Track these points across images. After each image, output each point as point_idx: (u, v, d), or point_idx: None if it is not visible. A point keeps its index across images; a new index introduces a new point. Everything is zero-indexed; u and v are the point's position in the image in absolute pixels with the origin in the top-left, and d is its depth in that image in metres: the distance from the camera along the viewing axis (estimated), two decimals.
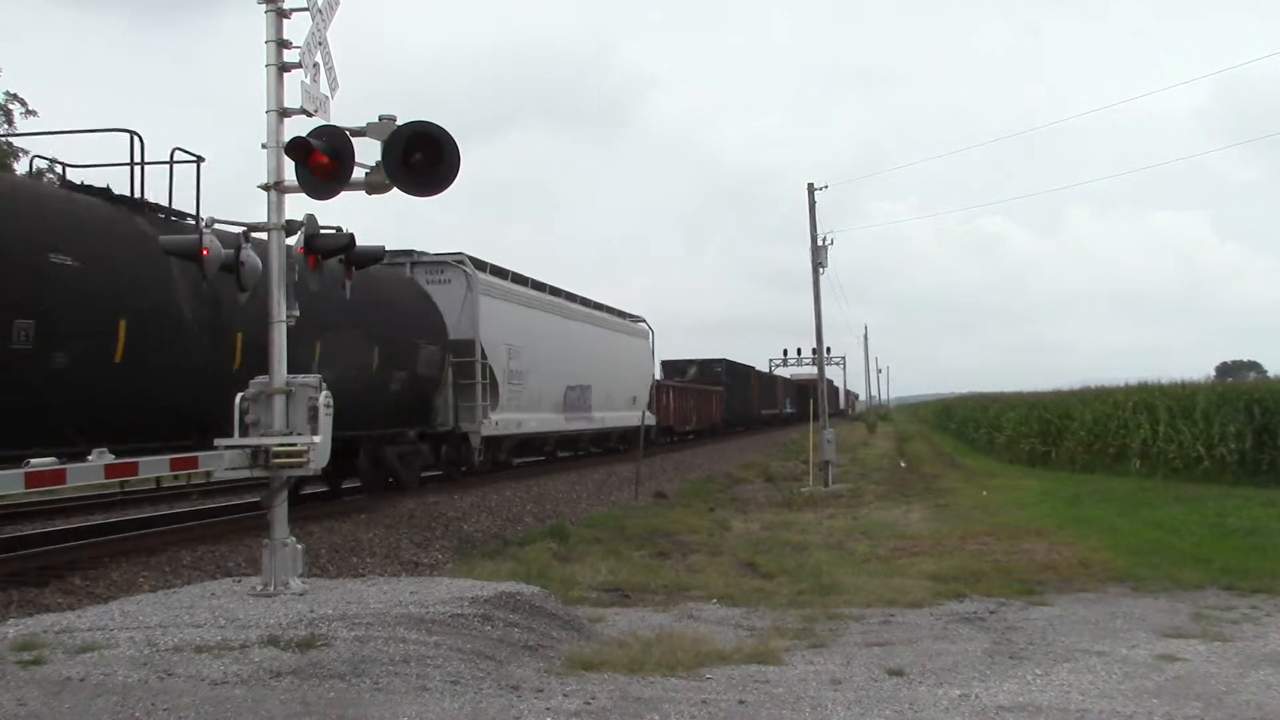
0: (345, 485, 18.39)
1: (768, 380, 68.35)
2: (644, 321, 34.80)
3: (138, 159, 11.55)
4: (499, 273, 22.30)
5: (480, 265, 21.02)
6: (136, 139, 11.44)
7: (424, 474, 18.92)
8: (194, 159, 11.92)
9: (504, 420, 21.14)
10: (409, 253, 20.17)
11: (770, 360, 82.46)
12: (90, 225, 10.98)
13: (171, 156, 11.93)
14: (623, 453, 30.54)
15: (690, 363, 50.55)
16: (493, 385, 20.45)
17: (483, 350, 19.91)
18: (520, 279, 23.68)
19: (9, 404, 10.00)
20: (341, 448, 11.79)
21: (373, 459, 16.98)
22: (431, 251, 20.52)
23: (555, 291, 26.05)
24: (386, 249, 10.64)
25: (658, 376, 37.95)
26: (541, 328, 23.70)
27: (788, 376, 79.15)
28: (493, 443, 21.22)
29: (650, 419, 28.49)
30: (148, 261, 11.03)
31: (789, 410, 71.86)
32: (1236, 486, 20.98)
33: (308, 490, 17.20)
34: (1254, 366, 69.88)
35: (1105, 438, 28.77)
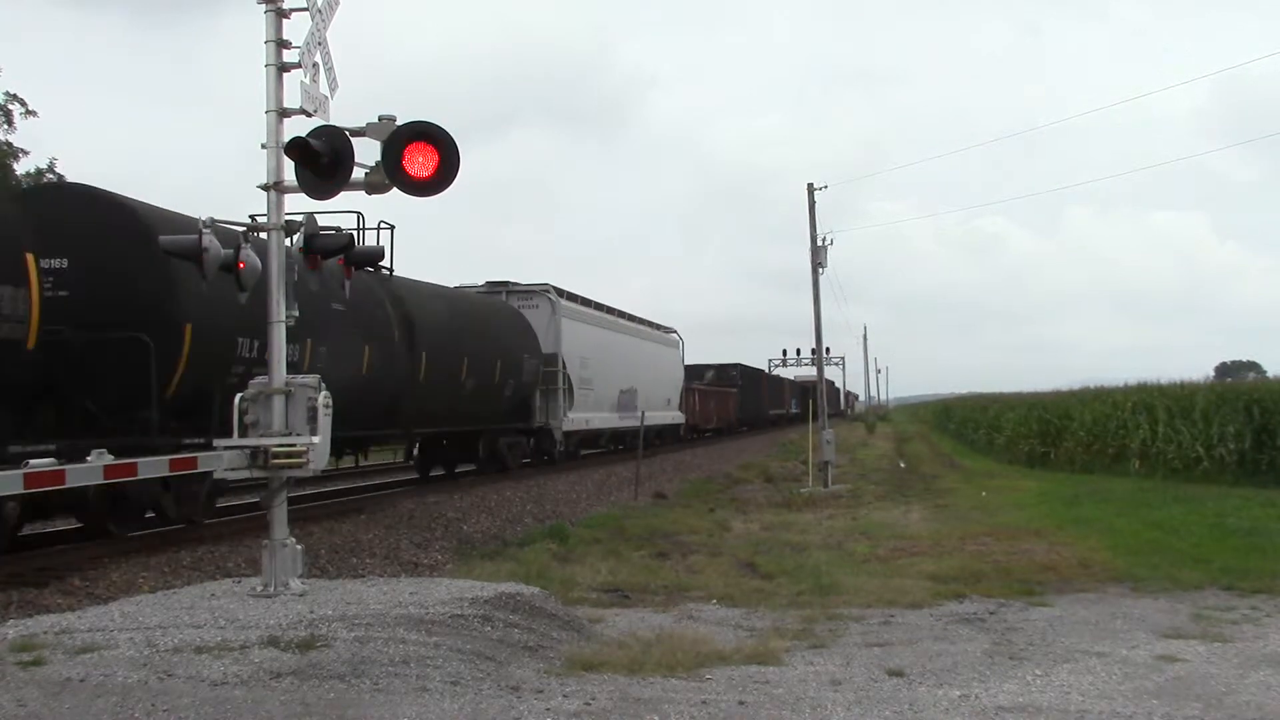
0: (433, 474, 22.80)
1: (775, 382, 73.50)
2: (675, 333, 39.88)
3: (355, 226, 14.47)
4: (573, 298, 27.34)
5: (561, 293, 26.04)
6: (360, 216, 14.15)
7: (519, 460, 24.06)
8: (389, 226, 16.00)
9: (577, 418, 26.41)
10: (505, 283, 25.44)
11: (770, 360, 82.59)
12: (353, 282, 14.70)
13: (377, 226, 15.87)
14: (623, 452, 31.68)
15: (708, 367, 54.56)
16: (569, 390, 25.44)
17: (563, 362, 25.08)
18: (587, 302, 28.77)
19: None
20: (467, 437, 20.67)
21: (490, 448, 22.68)
22: (523, 282, 25.75)
23: (611, 310, 31.39)
24: (487, 282, 17.15)
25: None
26: (602, 342, 28.80)
27: (791, 378, 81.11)
28: (569, 437, 26.22)
29: (680, 418, 35.95)
30: (380, 306, 16.86)
31: (794, 410, 75.95)
32: (1236, 487, 20.98)
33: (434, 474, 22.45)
34: (1253, 367, 69.88)
35: (1105, 438, 28.77)
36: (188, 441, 11.36)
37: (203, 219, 8.74)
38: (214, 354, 12.54)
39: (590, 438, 29.48)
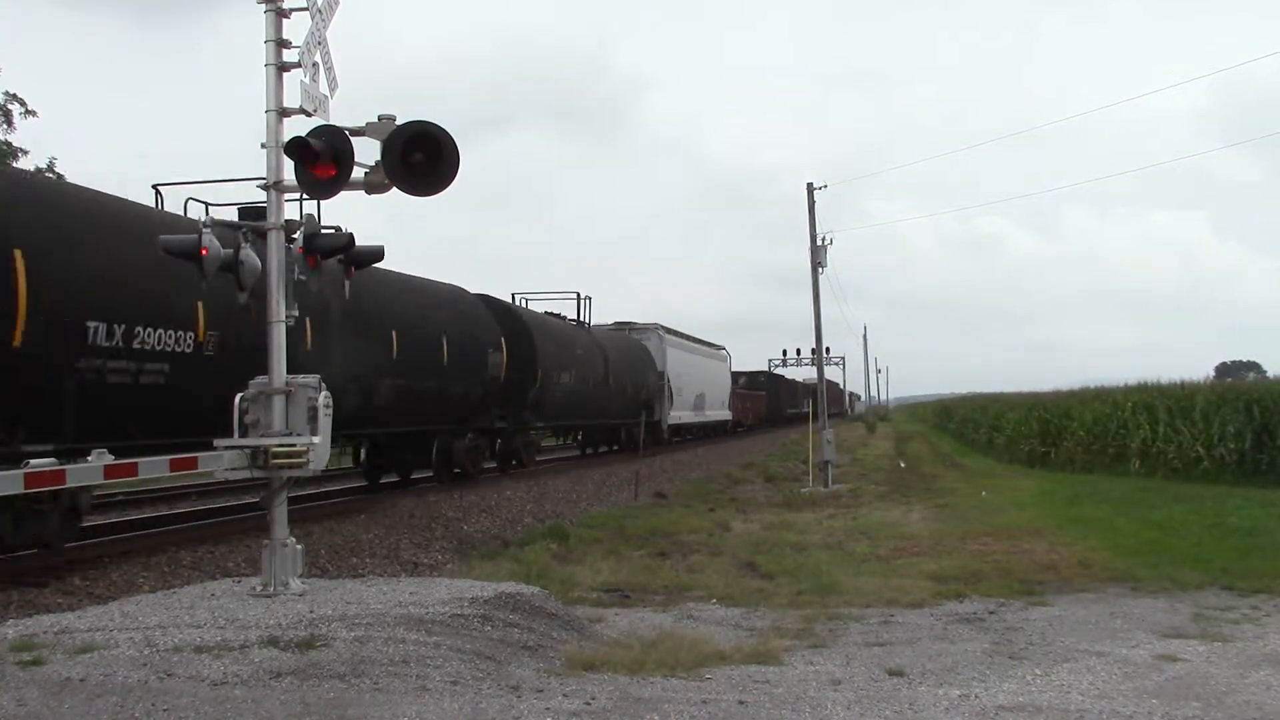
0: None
1: (790, 385, 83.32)
2: (725, 349, 51.63)
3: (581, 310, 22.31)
4: (671, 331, 39.38)
5: (665, 329, 38.41)
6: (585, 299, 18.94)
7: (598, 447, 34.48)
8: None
9: (674, 416, 38.85)
10: (628, 323, 37.15)
11: (770, 360, 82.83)
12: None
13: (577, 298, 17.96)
14: (623, 452, 32.66)
15: (742, 374, 63.35)
16: (670, 396, 37.38)
17: (667, 378, 36.97)
18: (674, 331, 40.39)
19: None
20: (623, 428, 32.07)
21: (628, 433, 33.10)
22: (640, 322, 37.85)
23: (689, 336, 43.21)
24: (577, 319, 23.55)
25: None
26: (686, 360, 40.91)
27: (801, 380, 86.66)
28: (671, 429, 38.91)
29: (729, 415, 49.40)
30: (595, 349, 27.04)
31: (805, 409, 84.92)
32: (1236, 487, 20.97)
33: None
34: (1253, 366, 69.86)
35: (1105, 438, 28.76)
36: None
37: (202, 219, 8.74)
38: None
39: (680, 429, 41.81)
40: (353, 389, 14.68)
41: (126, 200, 12.51)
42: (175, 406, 11.87)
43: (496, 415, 22.33)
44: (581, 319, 29.65)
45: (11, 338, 9.96)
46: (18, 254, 9.98)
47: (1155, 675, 7.07)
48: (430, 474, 20.47)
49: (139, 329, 11.30)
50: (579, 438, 33.71)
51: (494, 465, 23.66)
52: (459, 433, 20.68)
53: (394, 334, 16.81)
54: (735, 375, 57.38)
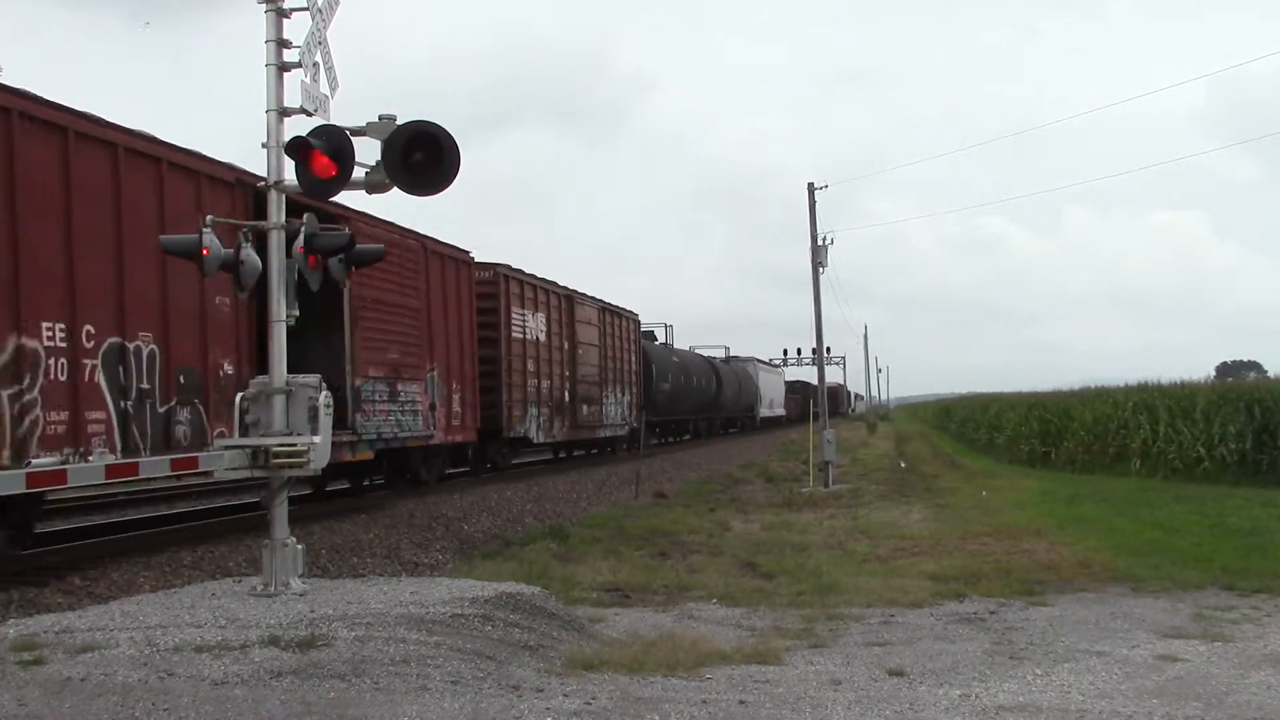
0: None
1: (814, 388, 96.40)
2: (781, 363, 79.92)
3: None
4: (759, 361, 64.52)
5: (758, 360, 64.15)
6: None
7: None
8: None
9: (763, 412, 63.99)
10: (735, 356, 60.36)
11: (770, 360, 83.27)
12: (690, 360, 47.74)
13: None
14: (623, 452, 32.06)
15: (787, 382, 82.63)
16: (759, 400, 61.69)
17: (758, 389, 61.06)
18: (761, 361, 65.92)
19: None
20: (731, 418, 57.20)
21: (739, 423, 58.96)
22: (742, 355, 62.39)
23: (765, 362, 67.15)
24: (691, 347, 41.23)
25: None
26: (766, 377, 65.11)
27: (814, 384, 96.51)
28: (761, 421, 64.00)
29: (784, 412, 71.96)
30: (709, 373, 48.96)
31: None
32: (1236, 487, 20.97)
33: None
34: (1254, 366, 69.82)
35: (1105, 438, 28.75)
36: None
37: (205, 218, 8.74)
38: None
39: (765, 420, 65.31)
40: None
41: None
42: None
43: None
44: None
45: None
46: None
47: (1156, 675, 7.07)
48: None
49: None
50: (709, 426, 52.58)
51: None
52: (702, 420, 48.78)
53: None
54: (788, 384, 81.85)
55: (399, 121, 8.36)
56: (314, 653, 6.49)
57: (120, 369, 10.88)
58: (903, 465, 31.74)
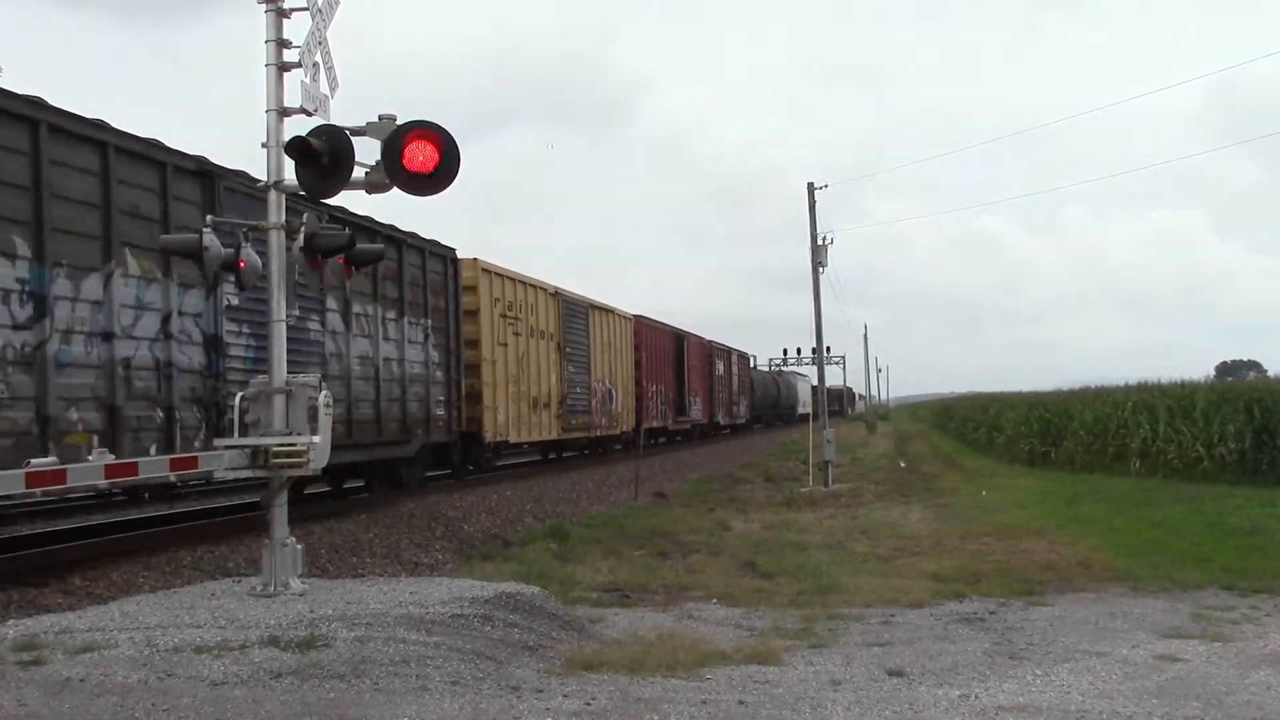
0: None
1: (833, 391, 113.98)
2: (806, 374, 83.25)
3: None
4: (795, 371, 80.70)
5: (795, 372, 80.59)
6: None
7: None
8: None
9: (800, 410, 74.04)
10: (781, 370, 78.64)
11: (770, 360, 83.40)
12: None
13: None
14: (623, 452, 31.93)
15: (811, 386, 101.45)
16: (798, 400, 77.19)
17: (797, 392, 77.87)
18: (797, 371, 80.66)
19: None
20: (785, 415, 76.18)
21: (786, 419, 75.14)
22: (787, 370, 79.38)
23: (798, 372, 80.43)
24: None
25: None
26: (799, 383, 79.38)
27: (830, 385, 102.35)
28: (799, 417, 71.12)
29: (809, 409, 61.24)
30: (771, 385, 72.56)
31: (835, 408, 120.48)
32: (1236, 486, 20.97)
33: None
34: (1254, 366, 69.84)
35: (1105, 438, 28.76)
36: None
37: (204, 219, 8.75)
38: None
39: (802, 415, 67.78)
40: None
41: None
42: None
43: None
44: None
45: None
46: None
47: (1155, 675, 7.07)
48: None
49: None
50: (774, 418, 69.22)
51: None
52: (771, 414, 69.90)
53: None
54: (813, 387, 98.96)
55: (399, 121, 8.36)
56: (314, 653, 6.49)
57: None
58: (902, 465, 31.74)
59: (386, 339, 16.65)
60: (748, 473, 29.35)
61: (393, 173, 8.35)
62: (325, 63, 8.77)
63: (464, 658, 6.77)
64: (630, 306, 36.81)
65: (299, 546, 8.61)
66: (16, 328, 9.54)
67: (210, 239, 8.45)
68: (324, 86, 8.78)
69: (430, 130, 8.32)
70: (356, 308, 15.71)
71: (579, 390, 27.46)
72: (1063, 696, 6.52)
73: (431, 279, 18.38)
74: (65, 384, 10.03)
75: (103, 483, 8.78)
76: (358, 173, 8.48)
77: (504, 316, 22.28)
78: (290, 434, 8.44)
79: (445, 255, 19.11)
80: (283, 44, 8.60)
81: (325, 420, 8.50)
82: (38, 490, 7.53)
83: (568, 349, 26.50)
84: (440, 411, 18.52)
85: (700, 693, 6.43)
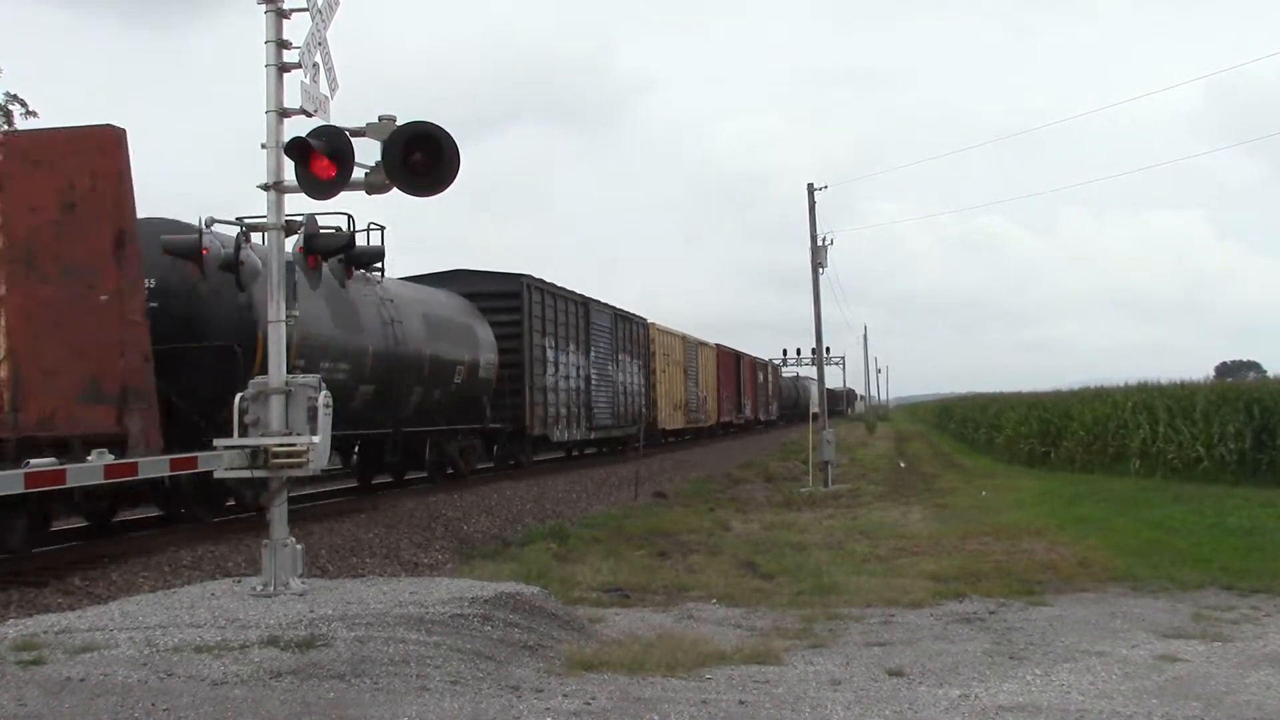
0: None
1: (838, 392, 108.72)
2: (800, 378, 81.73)
3: None
4: (808, 377, 71.74)
5: (810, 379, 65.48)
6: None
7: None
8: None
9: (813, 408, 59.89)
10: (799, 375, 79.44)
11: (770, 360, 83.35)
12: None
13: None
14: (624, 451, 32.13)
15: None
16: (812, 401, 55.51)
17: (810, 394, 43.99)
18: (808, 377, 71.43)
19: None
20: (803, 414, 52.99)
21: (801, 416, 58.49)
22: (804, 376, 76.47)
23: (810, 378, 67.78)
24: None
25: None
26: (810, 386, 60.11)
27: (833, 386, 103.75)
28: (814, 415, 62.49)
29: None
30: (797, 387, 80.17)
31: (839, 406, 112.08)
32: (1236, 486, 20.96)
33: None
34: (1254, 366, 69.85)
35: (1105, 438, 28.76)
36: None
37: (203, 219, 8.76)
38: None
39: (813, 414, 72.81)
40: None
41: None
42: None
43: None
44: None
45: None
46: None
47: (1155, 675, 7.07)
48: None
49: None
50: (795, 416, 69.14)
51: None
52: (794, 414, 73.27)
53: None
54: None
55: (399, 122, 8.36)
56: (313, 653, 6.50)
57: None
58: (902, 465, 31.75)
59: (624, 372, 32.41)
60: (748, 473, 29.35)
61: (392, 174, 8.35)
62: (325, 63, 8.77)
63: (464, 657, 6.77)
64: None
65: (299, 546, 8.61)
66: (582, 379, 27.06)
67: (210, 241, 8.46)
68: (324, 87, 8.78)
69: (430, 131, 8.33)
70: (600, 347, 29.80)
71: (692, 397, 42.81)
72: (1063, 696, 6.52)
73: (637, 335, 34.61)
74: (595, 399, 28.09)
75: (101, 482, 8.84)
76: (358, 173, 8.48)
77: (663, 354, 37.72)
78: (290, 434, 8.44)
79: (642, 321, 35.50)
80: (282, 45, 8.59)
81: (325, 420, 8.50)
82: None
83: (688, 371, 42.02)
84: (645, 411, 34.28)
85: (700, 692, 6.43)
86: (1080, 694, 6.58)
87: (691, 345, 42.97)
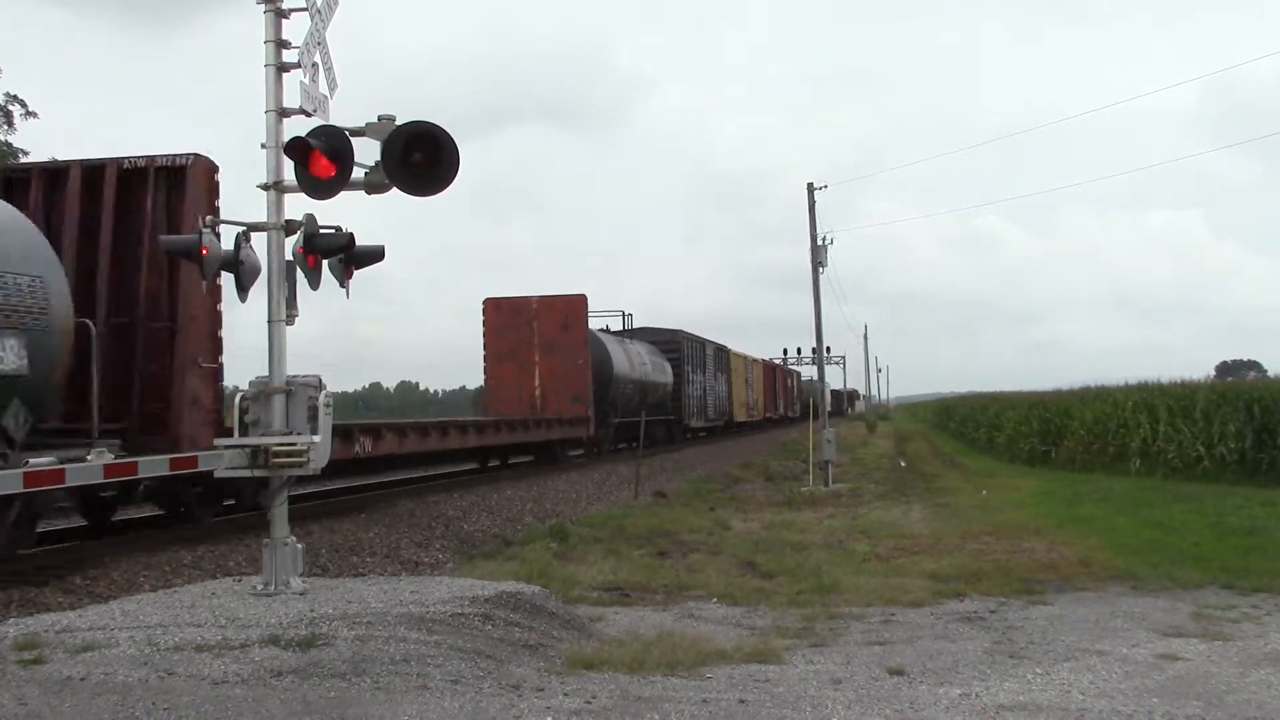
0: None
1: (840, 393, 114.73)
2: (814, 380, 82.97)
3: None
4: (817, 379, 63.88)
5: (819, 381, 50.63)
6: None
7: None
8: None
9: (827, 407, 66.63)
10: (810, 377, 75.22)
11: (770, 360, 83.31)
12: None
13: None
14: (624, 451, 32.20)
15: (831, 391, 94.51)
16: (819, 404, 58.05)
17: (823, 396, 47.59)
18: (818, 379, 59.31)
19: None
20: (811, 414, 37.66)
21: (812, 412, 44.81)
22: (814, 380, 49.72)
23: (821, 378, 65.09)
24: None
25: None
26: (821, 388, 68.45)
27: (834, 386, 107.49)
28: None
29: (830, 407, 68.05)
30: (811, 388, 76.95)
31: (841, 406, 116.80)
32: (1236, 486, 20.97)
33: None
34: (1254, 366, 69.87)
35: (1105, 437, 28.77)
36: None
37: (203, 219, 8.75)
38: None
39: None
40: None
41: None
42: None
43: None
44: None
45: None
46: None
47: (1156, 674, 7.07)
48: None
49: None
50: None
51: None
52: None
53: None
54: (833, 392, 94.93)
55: (398, 122, 8.36)
56: (314, 652, 6.50)
57: None
58: (902, 464, 31.75)
59: (715, 381, 46.15)
60: (748, 472, 29.35)
61: (392, 173, 8.35)
62: (324, 63, 8.78)
63: (464, 656, 6.77)
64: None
65: (299, 546, 8.63)
66: (703, 389, 44.20)
67: (210, 240, 8.46)
68: (323, 87, 8.78)
69: (429, 131, 8.33)
70: (710, 369, 45.21)
71: (749, 399, 56.03)
72: (1063, 695, 6.52)
73: (723, 358, 48.39)
74: (708, 402, 45.13)
75: (100, 481, 8.89)
76: (357, 173, 8.48)
77: (735, 370, 51.31)
78: (290, 434, 8.44)
79: (724, 348, 48.79)
80: (282, 44, 8.60)
81: (325, 420, 8.51)
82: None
83: (748, 381, 55.57)
84: (729, 409, 49.10)
85: (701, 691, 6.44)
86: (1081, 693, 6.58)
87: (750, 362, 57.48)
